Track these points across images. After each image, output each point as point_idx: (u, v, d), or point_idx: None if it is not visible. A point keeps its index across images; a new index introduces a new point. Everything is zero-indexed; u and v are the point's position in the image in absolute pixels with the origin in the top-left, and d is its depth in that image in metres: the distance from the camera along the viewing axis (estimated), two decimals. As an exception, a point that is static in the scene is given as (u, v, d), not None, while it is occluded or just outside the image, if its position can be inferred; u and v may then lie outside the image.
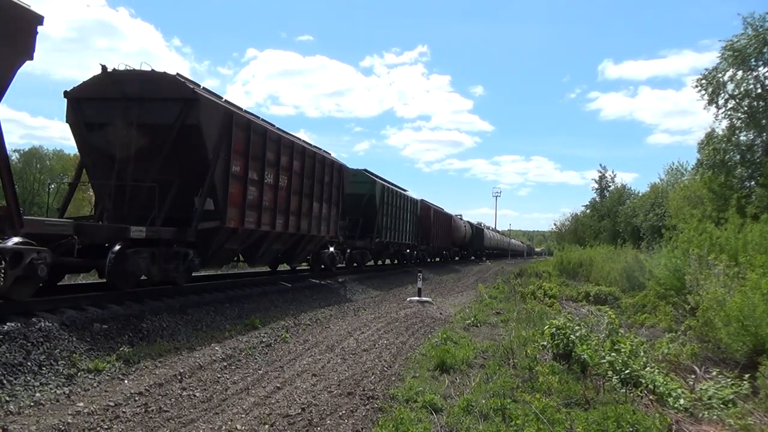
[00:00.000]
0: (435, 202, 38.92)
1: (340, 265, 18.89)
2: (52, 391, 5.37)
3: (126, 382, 5.94)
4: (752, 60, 20.62)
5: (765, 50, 20.10)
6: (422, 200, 31.59)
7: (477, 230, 53.18)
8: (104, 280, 8.90)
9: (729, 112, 21.96)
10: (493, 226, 76.64)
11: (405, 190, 27.26)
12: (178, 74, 10.02)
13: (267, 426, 4.84)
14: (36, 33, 6.34)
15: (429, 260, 36.15)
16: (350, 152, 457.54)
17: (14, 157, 59.83)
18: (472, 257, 53.95)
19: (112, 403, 5.16)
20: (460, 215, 46.21)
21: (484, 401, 5.41)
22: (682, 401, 6.05)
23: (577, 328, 7.67)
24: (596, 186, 60.38)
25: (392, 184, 24.76)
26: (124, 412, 5.01)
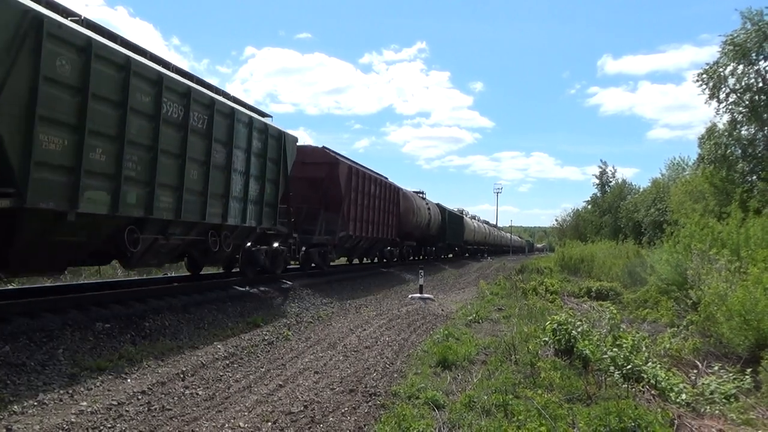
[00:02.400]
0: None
1: None
2: (55, 391, 5.38)
3: (129, 381, 5.96)
4: (753, 54, 20.63)
5: (765, 44, 20.09)
6: (323, 148, 17.13)
7: (453, 218, 37.06)
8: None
9: (730, 107, 21.98)
10: (494, 222, 76.19)
11: (264, 115, 12.20)
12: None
13: (270, 423, 4.85)
14: None
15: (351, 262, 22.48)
16: (350, 149, 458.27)
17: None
18: (450, 255, 39.76)
19: (115, 402, 5.18)
20: (423, 192, 30.19)
21: (486, 397, 5.41)
22: (684, 396, 6.06)
23: (578, 323, 7.67)
24: (597, 181, 60.59)
25: (150, 56, 8.84)
26: (127, 410, 5.02)
